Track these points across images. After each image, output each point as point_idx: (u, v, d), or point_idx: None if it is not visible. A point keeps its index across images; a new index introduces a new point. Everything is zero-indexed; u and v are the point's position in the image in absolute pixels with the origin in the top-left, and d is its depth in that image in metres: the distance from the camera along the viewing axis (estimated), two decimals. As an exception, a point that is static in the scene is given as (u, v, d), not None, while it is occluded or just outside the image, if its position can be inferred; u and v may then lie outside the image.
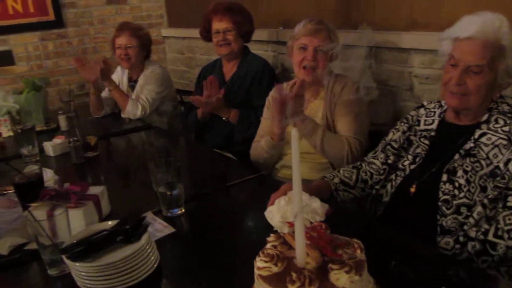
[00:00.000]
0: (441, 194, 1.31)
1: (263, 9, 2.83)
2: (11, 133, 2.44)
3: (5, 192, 1.64)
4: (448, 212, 1.29)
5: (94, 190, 1.39)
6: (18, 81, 3.36)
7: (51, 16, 3.52)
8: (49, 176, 1.74)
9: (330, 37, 1.81)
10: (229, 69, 2.45)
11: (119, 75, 2.87)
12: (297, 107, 1.62)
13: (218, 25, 2.35)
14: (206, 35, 2.46)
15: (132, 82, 2.80)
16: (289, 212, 1.20)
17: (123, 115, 2.67)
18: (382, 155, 1.56)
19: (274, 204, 1.26)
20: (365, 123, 1.83)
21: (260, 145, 1.89)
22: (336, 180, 1.51)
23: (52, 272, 1.14)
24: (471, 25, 1.27)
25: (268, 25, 2.79)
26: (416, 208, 1.39)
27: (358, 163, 1.59)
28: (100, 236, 1.10)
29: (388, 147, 1.56)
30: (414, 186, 1.39)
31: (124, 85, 2.82)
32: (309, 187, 1.38)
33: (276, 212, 1.22)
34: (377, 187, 1.53)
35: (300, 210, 0.85)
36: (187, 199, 1.45)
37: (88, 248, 1.07)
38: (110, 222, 1.16)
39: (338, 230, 0.97)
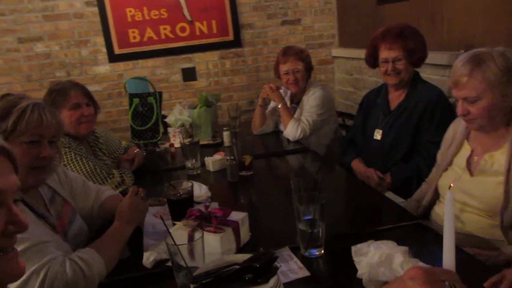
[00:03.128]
0: None
1: (444, 30, 2.53)
2: (182, 145, 2.67)
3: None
4: None
5: (236, 216, 1.37)
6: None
7: (230, 37, 3.79)
8: (202, 192, 1.80)
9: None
10: (396, 97, 2.22)
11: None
12: None
13: (387, 53, 2.13)
14: (373, 62, 2.28)
15: (294, 104, 2.80)
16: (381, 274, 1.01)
17: (284, 135, 2.68)
18: None
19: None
20: None
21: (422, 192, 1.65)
22: None
23: (183, 295, 1.14)
24: None
25: (448, 48, 2.48)
26: None
27: None
28: (230, 271, 1.06)
29: None
30: None
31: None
32: None
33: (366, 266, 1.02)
34: None
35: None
36: (330, 239, 1.33)
37: (216, 281, 1.04)
38: (239, 255, 1.12)
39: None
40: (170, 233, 1.15)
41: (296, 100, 2.80)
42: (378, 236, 1.38)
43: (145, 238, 1.48)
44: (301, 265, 1.24)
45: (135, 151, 2.38)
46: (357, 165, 2.31)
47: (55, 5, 3.53)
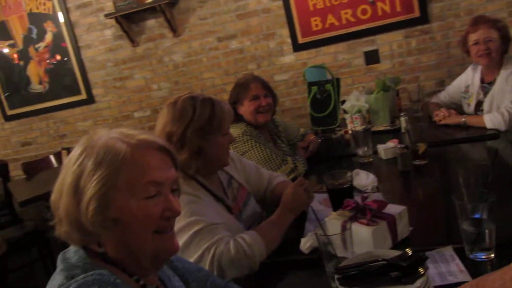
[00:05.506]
0: None
1: None
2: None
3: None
4: None
5: (393, 209, 1.32)
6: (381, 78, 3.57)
7: (416, 13, 3.53)
8: (369, 181, 1.78)
9: None
10: None
11: (469, 76, 2.57)
12: None
13: None
14: None
15: (486, 84, 2.46)
16: None
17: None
18: None
19: None
20: None
21: None
22: None
23: (332, 284, 1.17)
24: None
25: None
26: None
27: None
28: (375, 266, 1.05)
29: None
30: None
31: (475, 87, 2.51)
32: None
33: None
34: None
35: None
36: (503, 242, 1.17)
37: (360, 274, 1.04)
38: (389, 251, 1.09)
39: None
40: (319, 223, 1.20)
41: (489, 80, 2.46)
42: None
43: (307, 224, 1.56)
44: (463, 268, 1.13)
45: (311, 139, 2.48)
46: None
47: (246, 4, 3.87)
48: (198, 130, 1.45)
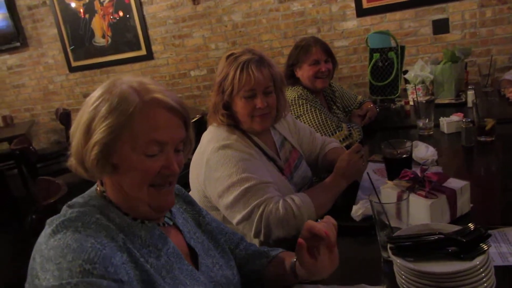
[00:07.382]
0: None
1: None
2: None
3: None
4: None
5: (454, 183, 1.25)
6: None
7: (496, -20, 3.26)
8: (428, 154, 1.70)
9: None
10: None
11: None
12: None
13: None
14: None
15: None
16: None
17: None
18: None
19: None
20: None
21: None
22: None
23: (383, 253, 1.14)
24: None
25: None
26: None
27: None
28: (432, 239, 1.00)
29: None
30: None
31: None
32: None
33: None
34: None
35: None
36: None
37: (415, 246, 1.00)
38: (448, 225, 1.03)
39: None
40: (375, 190, 1.16)
41: None
42: None
43: (359, 192, 1.52)
44: (527, 250, 1.06)
45: (369, 107, 2.39)
46: None
47: (311, -36, 3.73)
48: (224, 86, 1.46)
